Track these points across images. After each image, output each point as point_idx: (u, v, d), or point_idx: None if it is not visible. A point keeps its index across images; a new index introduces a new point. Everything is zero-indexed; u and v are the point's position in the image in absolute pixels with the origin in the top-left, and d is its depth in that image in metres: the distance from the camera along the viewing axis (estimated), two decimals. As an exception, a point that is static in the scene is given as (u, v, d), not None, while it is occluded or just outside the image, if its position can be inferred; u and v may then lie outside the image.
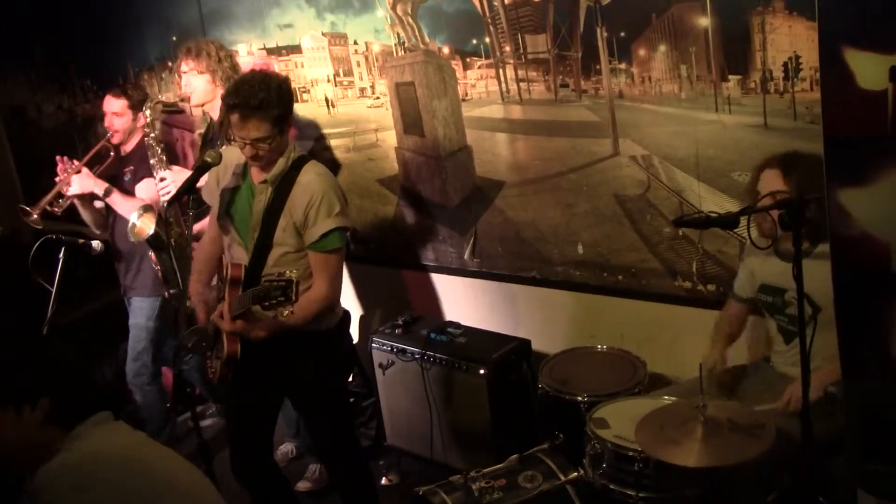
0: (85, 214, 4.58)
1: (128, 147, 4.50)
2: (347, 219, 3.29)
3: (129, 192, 4.39)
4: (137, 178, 4.39)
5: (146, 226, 4.11)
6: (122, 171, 4.48)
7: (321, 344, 3.37)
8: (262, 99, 3.11)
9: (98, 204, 4.57)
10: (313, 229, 3.19)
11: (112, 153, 4.55)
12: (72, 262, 4.25)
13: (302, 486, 4.34)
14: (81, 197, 4.46)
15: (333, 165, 4.87)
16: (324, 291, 3.26)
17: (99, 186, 4.33)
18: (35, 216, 4.41)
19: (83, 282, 4.61)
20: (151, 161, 4.31)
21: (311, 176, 3.23)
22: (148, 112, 4.33)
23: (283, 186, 3.22)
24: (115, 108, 4.41)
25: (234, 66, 4.25)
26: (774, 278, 3.20)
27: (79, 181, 4.34)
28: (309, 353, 3.33)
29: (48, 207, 4.43)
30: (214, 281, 3.63)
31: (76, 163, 4.39)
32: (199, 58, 4.14)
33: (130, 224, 4.12)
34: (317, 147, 4.94)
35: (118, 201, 4.33)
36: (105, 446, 2.10)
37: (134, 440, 2.20)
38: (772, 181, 3.02)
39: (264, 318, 3.12)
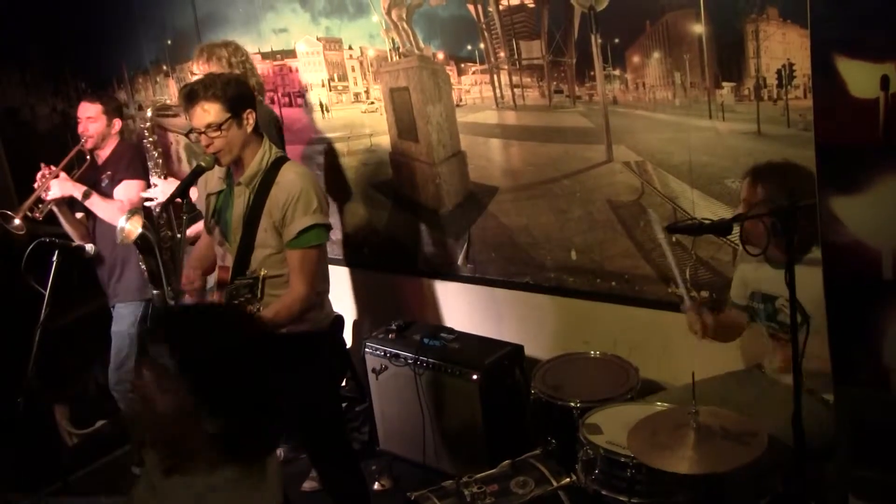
0: (67, 226, 4.58)
1: (103, 153, 4.52)
2: (326, 217, 3.26)
3: (107, 196, 4.40)
4: (115, 182, 4.42)
5: (134, 228, 4.10)
6: (99, 177, 4.48)
7: (314, 346, 3.37)
8: (207, 85, 3.14)
9: (79, 215, 4.59)
10: (291, 226, 3.17)
11: (87, 158, 4.56)
12: (65, 266, 4.24)
13: (307, 485, 4.34)
14: (61, 207, 4.48)
15: (329, 169, 4.88)
16: (302, 291, 3.22)
17: (77, 190, 4.34)
18: (17, 221, 4.40)
19: (76, 285, 4.61)
20: (149, 164, 4.33)
21: (290, 175, 3.22)
22: (149, 113, 4.34)
23: (263, 188, 3.21)
24: (89, 112, 4.44)
25: (251, 72, 4.20)
26: (765, 285, 3.20)
27: (58, 185, 4.35)
28: (302, 356, 3.32)
29: (29, 213, 4.43)
30: (211, 282, 3.64)
31: (53, 168, 4.39)
32: (210, 62, 4.11)
33: (119, 227, 4.11)
34: (310, 152, 4.94)
35: (97, 203, 4.35)
36: None
37: None
38: (746, 190, 3.06)
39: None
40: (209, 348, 1.93)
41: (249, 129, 3.19)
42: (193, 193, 3.53)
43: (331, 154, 4.96)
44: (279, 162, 3.26)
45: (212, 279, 3.65)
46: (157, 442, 1.98)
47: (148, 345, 1.94)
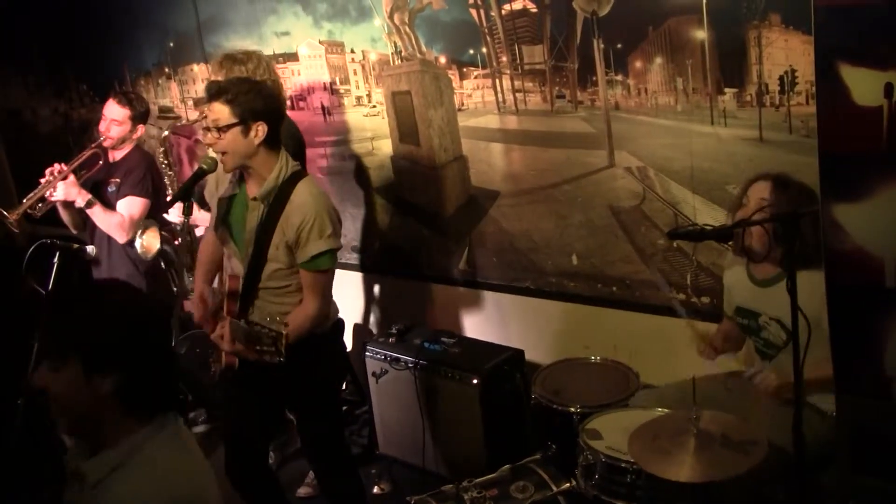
0: (64, 215, 4.55)
1: (117, 155, 4.48)
2: (339, 240, 3.30)
3: (111, 202, 4.37)
4: (121, 194, 4.37)
5: (152, 242, 4.12)
6: (107, 179, 4.46)
7: (315, 348, 3.38)
8: (228, 88, 3.16)
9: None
10: (305, 249, 3.20)
11: (101, 161, 4.53)
12: (65, 267, 4.24)
13: (302, 491, 4.33)
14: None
15: (330, 173, 4.88)
16: (314, 309, 3.28)
17: (82, 197, 4.29)
18: (13, 219, 4.37)
19: (77, 287, 4.60)
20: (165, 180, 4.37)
21: (305, 197, 3.22)
22: (166, 132, 4.34)
23: (276, 204, 3.22)
24: (116, 115, 4.38)
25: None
26: (748, 301, 3.21)
27: (63, 188, 4.30)
28: (305, 355, 3.33)
29: (29, 210, 4.40)
30: (216, 283, 3.65)
31: (64, 167, 4.36)
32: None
33: (137, 244, 4.13)
34: (312, 155, 4.94)
35: (98, 214, 4.30)
36: (173, 475, 2.00)
37: (198, 467, 2.11)
38: (761, 190, 3.03)
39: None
40: (82, 316, 1.99)
41: (257, 141, 3.16)
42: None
43: (332, 157, 4.97)
44: (295, 177, 3.26)
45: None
46: (70, 425, 2.06)
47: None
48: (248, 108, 3.14)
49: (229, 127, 3.13)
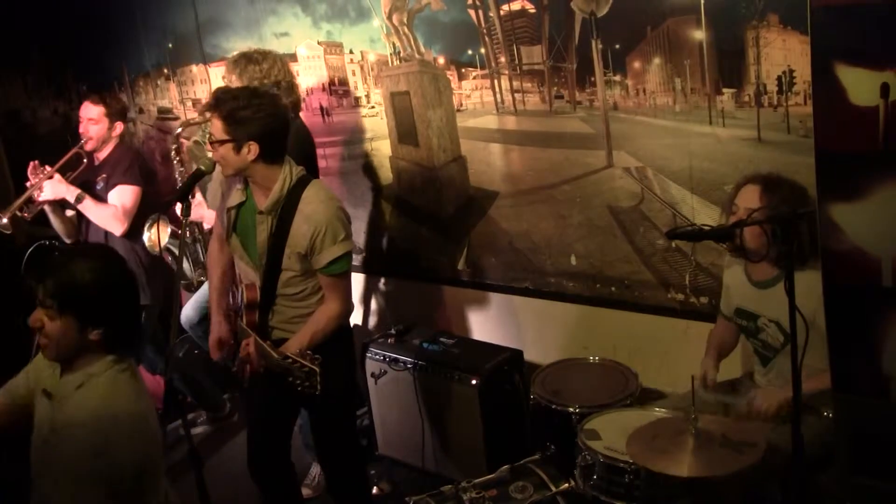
0: (56, 223, 4.57)
1: (101, 155, 4.50)
2: (352, 241, 3.32)
3: (101, 198, 4.38)
4: (110, 186, 4.39)
5: (162, 234, 4.13)
6: (94, 178, 4.47)
7: (331, 345, 3.37)
8: (227, 101, 3.14)
9: (69, 213, 4.56)
10: (320, 256, 3.21)
11: (85, 160, 4.54)
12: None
13: (304, 492, 4.32)
14: (52, 205, 4.46)
15: (330, 174, 4.88)
16: (338, 309, 3.32)
17: (71, 193, 4.31)
18: (4, 221, 4.38)
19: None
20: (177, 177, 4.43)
21: (314, 205, 3.20)
22: (179, 129, 4.41)
23: (285, 215, 3.21)
24: (91, 114, 4.42)
25: (286, 91, 3.98)
26: (747, 303, 3.21)
27: (51, 187, 4.31)
28: (327, 348, 3.32)
29: (18, 213, 4.40)
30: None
31: (48, 168, 4.37)
32: (242, 78, 3.93)
33: (145, 237, 4.15)
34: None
35: (90, 207, 4.32)
36: (121, 395, 2.51)
37: (143, 393, 2.61)
38: (750, 196, 3.02)
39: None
40: (82, 280, 2.46)
41: (250, 158, 3.12)
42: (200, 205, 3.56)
43: (330, 159, 4.97)
44: (301, 184, 3.24)
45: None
46: (54, 355, 2.55)
47: (31, 287, 2.50)
48: (240, 128, 3.11)
49: (222, 142, 3.13)
